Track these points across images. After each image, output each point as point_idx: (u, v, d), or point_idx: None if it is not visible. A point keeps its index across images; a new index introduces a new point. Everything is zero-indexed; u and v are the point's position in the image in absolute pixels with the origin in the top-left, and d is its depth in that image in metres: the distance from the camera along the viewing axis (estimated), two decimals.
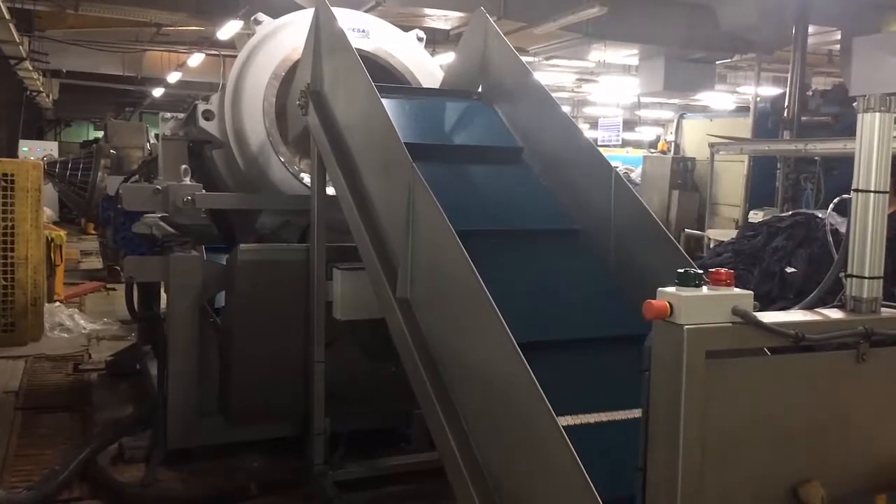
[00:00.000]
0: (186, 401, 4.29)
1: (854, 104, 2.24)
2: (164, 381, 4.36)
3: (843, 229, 2.61)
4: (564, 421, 2.40)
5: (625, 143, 20.57)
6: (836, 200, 2.36)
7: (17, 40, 10.73)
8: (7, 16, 9.23)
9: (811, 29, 8.85)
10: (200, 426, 4.32)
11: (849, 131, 7.34)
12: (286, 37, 4.70)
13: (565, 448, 2.08)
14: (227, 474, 4.24)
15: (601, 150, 3.64)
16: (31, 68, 13.28)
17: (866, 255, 2.13)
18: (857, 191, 2.13)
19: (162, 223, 4.72)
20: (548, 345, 2.78)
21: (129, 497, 4.02)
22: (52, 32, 12.05)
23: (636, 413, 2.02)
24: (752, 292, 1.97)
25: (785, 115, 8.69)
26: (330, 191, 3.90)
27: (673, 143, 12.42)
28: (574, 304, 3.11)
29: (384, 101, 3.21)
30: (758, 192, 9.15)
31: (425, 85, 4.83)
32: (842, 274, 2.18)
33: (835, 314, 2.13)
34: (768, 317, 1.97)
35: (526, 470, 2.32)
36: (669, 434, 1.85)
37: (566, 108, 3.70)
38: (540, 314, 2.96)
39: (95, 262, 11.45)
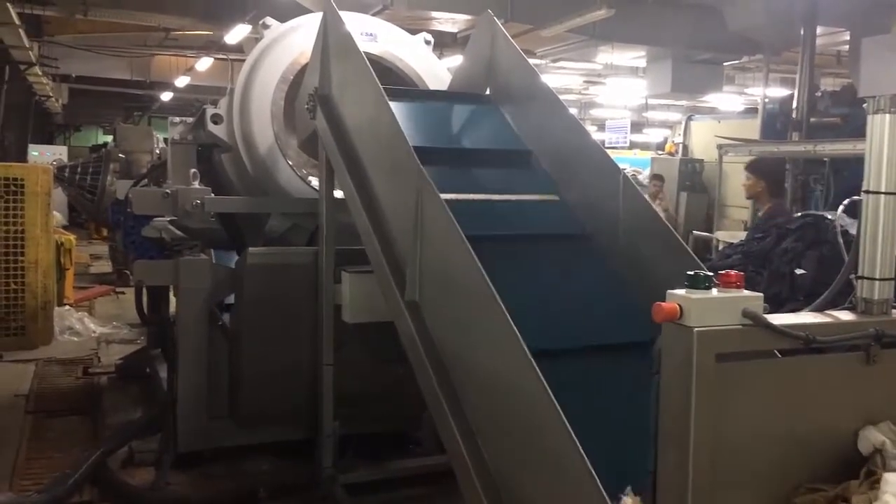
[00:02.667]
0: (196, 404, 4.29)
1: (864, 105, 2.22)
2: (174, 385, 4.37)
3: (852, 231, 2.60)
4: (446, 196, 2.86)
5: (632, 145, 20.52)
6: (846, 202, 2.35)
7: (27, 45, 10.80)
8: (16, 21, 9.29)
9: (819, 30, 8.81)
10: (210, 429, 4.32)
11: (858, 132, 7.29)
12: (294, 40, 4.71)
13: (575, 451, 2.08)
14: (236, 478, 4.24)
15: (609, 151, 3.64)
16: (40, 73, 13.36)
17: (877, 257, 2.12)
18: (867, 192, 2.12)
19: (171, 227, 4.75)
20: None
21: (140, 500, 4.04)
22: (61, 37, 12.13)
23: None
24: (762, 294, 1.96)
25: (793, 116, 8.65)
26: (338, 194, 3.91)
27: (681, 145, 12.39)
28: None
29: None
30: None
31: (432, 87, 4.83)
32: (852, 275, 2.17)
33: (845, 316, 2.12)
34: (779, 319, 1.96)
35: (536, 473, 2.32)
36: (680, 437, 1.84)
37: (573, 111, 3.71)
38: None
39: (105, 266, 11.50)
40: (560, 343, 2.81)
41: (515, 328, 2.33)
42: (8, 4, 8.62)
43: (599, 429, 2.39)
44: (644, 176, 13.13)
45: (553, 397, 2.18)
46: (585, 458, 2.08)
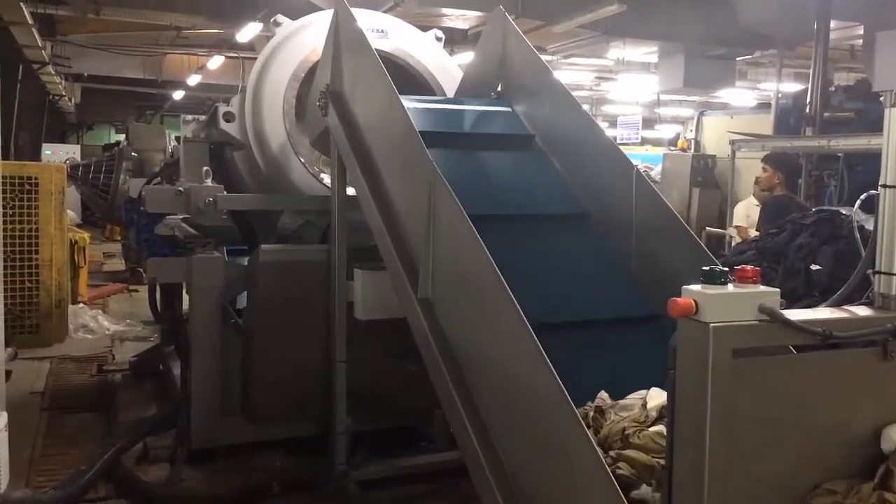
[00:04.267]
0: (209, 401, 4.31)
1: (881, 98, 2.20)
2: (187, 382, 4.39)
3: (869, 226, 2.57)
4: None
5: (644, 141, 20.41)
6: (863, 197, 2.32)
7: (40, 45, 10.86)
8: (30, 20, 9.34)
9: (833, 24, 8.74)
10: (223, 426, 4.35)
11: (872, 127, 7.23)
12: (305, 38, 4.72)
13: (589, 447, 2.07)
14: (249, 474, 4.26)
15: (620, 148, 3.63)
16: (53, 72, 13.44)
17: (894, 252, 2.09)
18: (885, 186, 2.10)
19: (184, 224, 4.76)
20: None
21: (154, 497, 4.06)
22: (73, 37, 12.19)
23: None
24: (778, 290, 1.95)
25: (807, 111, 8.58)
26: (350, 191, 3.92)
27: (693, 141, 12.30)
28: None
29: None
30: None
31: (444, 84, 4.83)
32: (869, 271, 2.15)
33: (863, 311, 2.10)
34: (795, 314, 1.95)
35: (549, 468, 2.31)
36: (695, 433, 1.83)
37: (585, 107, 3.71)
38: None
39: (118, 264, 11.57)
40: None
41: (529, 326, 2.32)
42: (21, 4, 8.67)
43: (531, 278, 3.02)
44: (656, 172, 13.05)
45: (566, 393, 2.18)
46: (599, 453, 2.07)
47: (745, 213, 7.73)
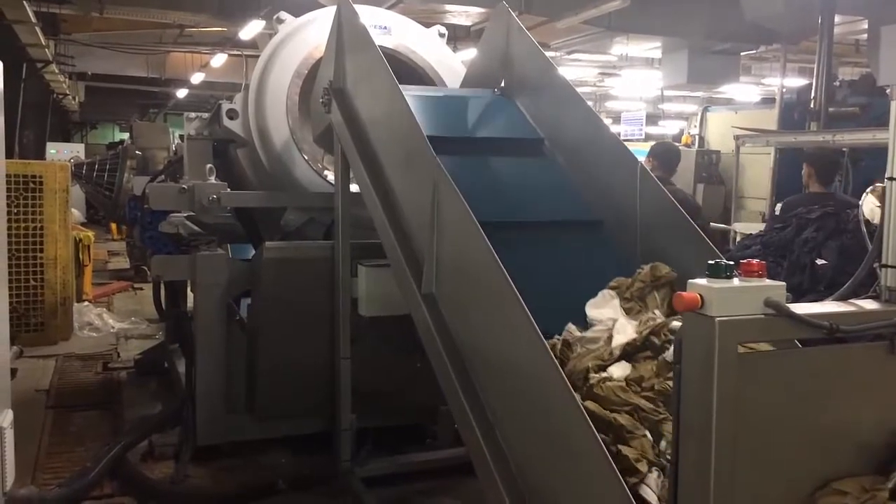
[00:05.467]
0: (214, 398, 4.32)
1: (887, 90, 2.19)
2: (192, 379, 4.40)
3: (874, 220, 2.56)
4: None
5: (648, 137, 20.36)
6: (869, 189, 2.32)
7: (44, 43, 10.88)
8: (33, 19, 9.36)
9: (837, 18, 8.70)
10: (228, 423, 4.35)
11: (877, 122, 7.21)
12: (308, 35, 4.71)
13: (594, 442, 2.07)
14: (255, 471, 4.27)
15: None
16: (57, 71, 13.46)
17: None
18: (891, 179, 2.08)
19: (188, 222, 4.77)
20: None
21: (160, 494, 4.06)
22: (77, 35, 12.20)
23: None
24: (784, 283, 1.94)
25: (811, 106, 8.55)
26: (354, 188, 3.91)
27: (697, 137, 12.27)
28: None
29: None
30: (784, 185, 9.01)
31: (447, 80, 4.82)
32: (876, 264, 2.14)
33: (869, 305, 2.09)
34: (801, 308, 1.94)
35: (553, 463, 2.31)
36: (701, 428, 1.82)
37: (588, 103, 3.71)
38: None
39: (123, 262, 11.59)
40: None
41: (532, 319, 2.31)
42: (24, 3, 8.68)
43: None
44: None
45: (571, 389, 2.18)
46: (604, 448, 2.07)
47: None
